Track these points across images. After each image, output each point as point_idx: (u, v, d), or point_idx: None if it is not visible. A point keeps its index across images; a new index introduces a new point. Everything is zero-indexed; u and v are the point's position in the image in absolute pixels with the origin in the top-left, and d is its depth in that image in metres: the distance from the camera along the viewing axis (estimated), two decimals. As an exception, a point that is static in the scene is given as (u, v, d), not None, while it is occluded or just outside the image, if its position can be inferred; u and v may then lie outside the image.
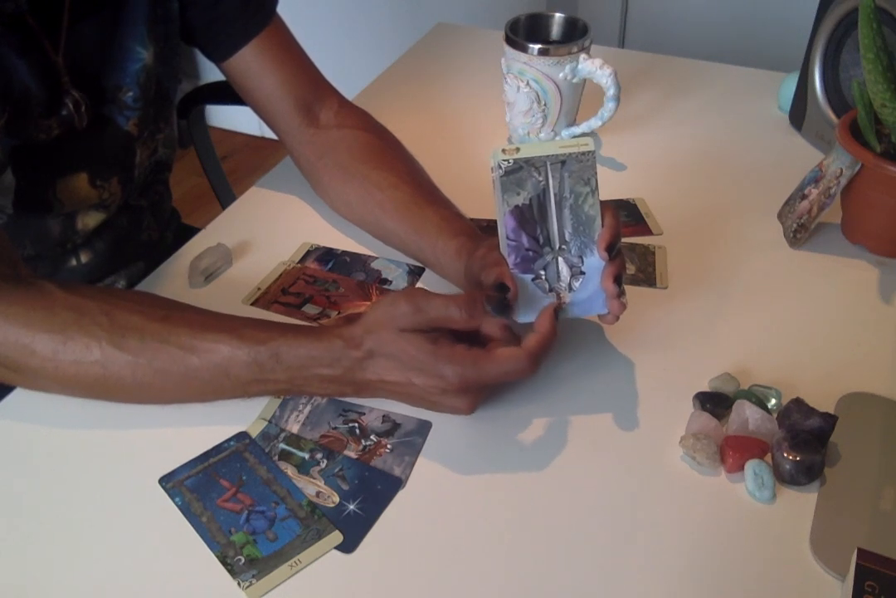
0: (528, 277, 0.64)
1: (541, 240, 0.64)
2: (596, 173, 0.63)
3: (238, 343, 0.61)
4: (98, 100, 0.77)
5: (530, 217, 0.63)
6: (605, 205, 0.64)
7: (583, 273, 0.64)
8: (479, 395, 0.62)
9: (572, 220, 0.64)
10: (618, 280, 0.64)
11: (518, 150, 0.63)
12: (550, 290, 0.64)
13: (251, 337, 0.61)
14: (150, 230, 0.93)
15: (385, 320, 0.60)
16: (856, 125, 0.79)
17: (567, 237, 0.64)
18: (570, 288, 0.64)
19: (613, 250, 0.63)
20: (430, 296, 0.60)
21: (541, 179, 0.63)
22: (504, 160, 0.62)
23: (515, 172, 0.63)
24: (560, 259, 0.64)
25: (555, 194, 0.63)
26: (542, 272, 0.64)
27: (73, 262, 0.85)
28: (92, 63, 0.75)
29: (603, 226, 0.64)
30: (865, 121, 0.76)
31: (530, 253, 0.64)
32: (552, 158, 0.63)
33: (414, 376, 0.60)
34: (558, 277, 0.64)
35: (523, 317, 0.64)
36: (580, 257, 0.64)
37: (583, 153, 0.63)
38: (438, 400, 0.61)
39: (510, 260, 0.64)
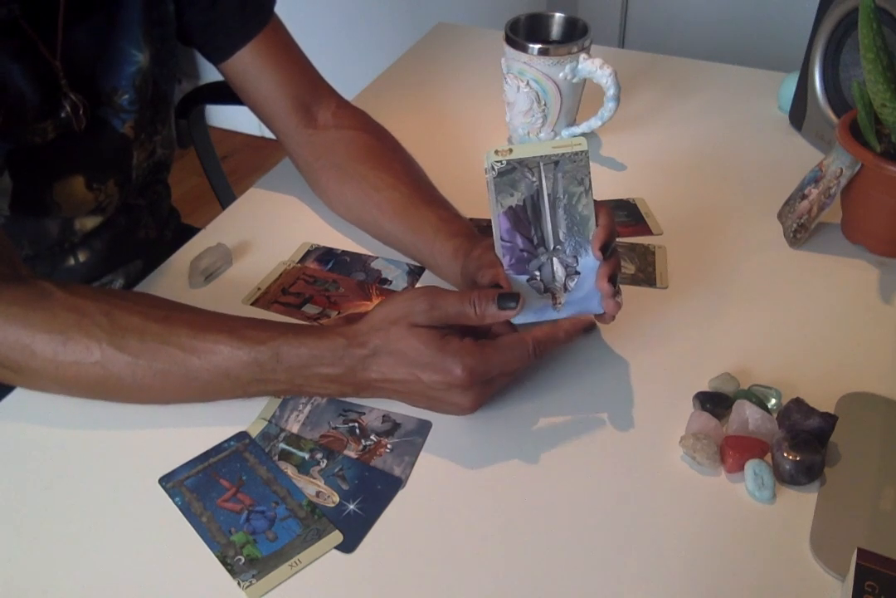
0: (523, 277, 0.64)
1: (535, 240, 0.64)
2: (589, 173, 0.63)
3: (238, 343, 0.61)
4: (94, 103, 0.77)
5: (524, 218, 0.63)
6: (599, 204, 0.64)
7: (578, 273, 0.64)
8: (484, 393, 0.62)
9: (566, 220, 0.64)
10: (613, 280, 0.64)
11: (511, 151, 0.63)
12: (546, 290, 0.64)
13: (251, 337, 0.61)
14: (147, 229, 0.93)
15: (398, 316, 0.60)
16: (856, 125, 0.79)
17: (561, 237, 0.64)
18: (566, 288, 0.64)
19: (608, 250, 0.64)
20: (446, 293, 0.61)
21: (534, 179, 0.63)
22: (497, 161, 0.62)
23: (509, 173, 0.63)
24: (555, 260, 0.64)
25: (548, 195, 0.63)
26: (537, 273, 0.64)
27: (72, 261, 0.85)
28: (88, 66, 0.75)
29: (597, 225, 0.64)
30: (865, 121, 0.76)
31: (525, 254, 0.64)
32: (545, 158, 0.63)
33: (420, 372, 0.60)
34: (553, 277, 0.64)
35: (518, 317, 0.64)
36: (575, 257, 0.64)
37: (576, 153, 0.63)
38: (443, 397, 0.61)
39: (505, 261, 0.64)
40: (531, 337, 0.62)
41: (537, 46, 0.89)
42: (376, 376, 0.61)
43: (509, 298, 0.60)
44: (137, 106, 0.80)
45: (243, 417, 0.65)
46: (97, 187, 0.80)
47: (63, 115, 0.74)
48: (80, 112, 0.75)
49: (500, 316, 0.61)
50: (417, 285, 0.79)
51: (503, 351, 0.61)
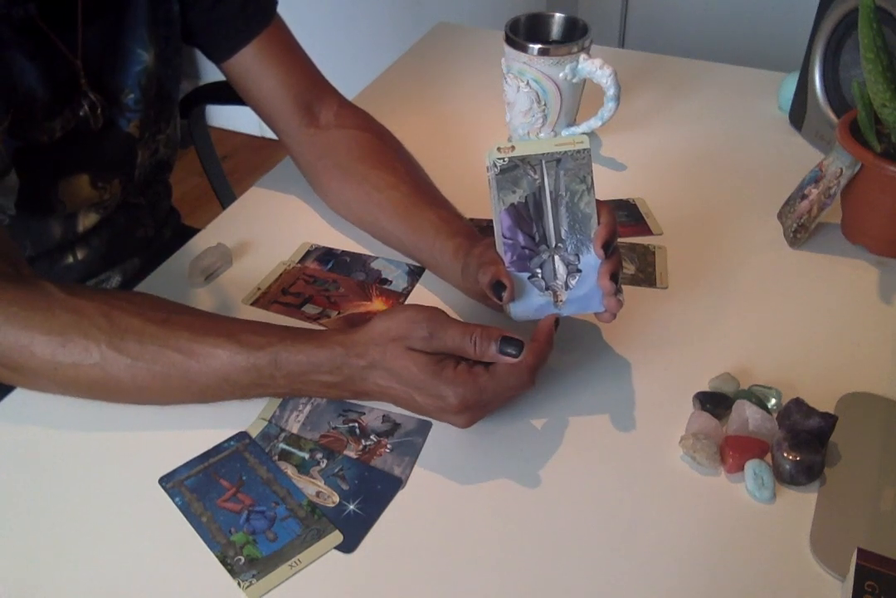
0: (525, 275, 0.64)
1: (537, 238, 0.64)
2: (591, 171, 0.63)
3: (237, 348, 0.61)
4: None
5: (526, 215, 0.63)
6: (600, 203, 0.64)
7: (579, 271, 0.64)
8: (478, 414, 0.61)
9: (568, 218, 0.64)
10: (614, 277, 0.63)
11: (513, 148, 0.63)
12: (547, 288, 0.64)
13: (250, 342, 0.61)
14: (146, 228, 0.93)
15: (396, 335, 0.60)
16: (856, 125, 0.79)
17: (563, 235, 0.64)
18: (567, 286, 0.64)
19: (610, 248, 0.63)
20: (448, 324, 0.59)
21: (536, 177, 0.63)
22: (499, 159, 0.62)
23: (511, 171, 0.63)
24: (556, 257, 0.64)
25: (550, 192, 0.63)
26: (539, 270, 0.64)
27: (70, 259, 0.85)
28: (101, 65, 0.76)
29: (599, 223, 0.64)
30: (865, 121, 0.76)
31: (526, 251, 0.64)
32: (548, 155, 0.63)
33: (414, 393, 0.60)
34: (555, 275, 0.64)
35: (519, 315, 0.64)
36: (577, 255, 0.64)
37: (578, 151, 0.63)
38: (436, 415, 0.61)
39: (506, 258, 0.64)
40: (526, 366, 0.59)
41: (537, 46, 0.89)
42: (373, 388, 0.61)
43: (512, 344, 0.58)
44: (142, 105, 0.80)
45: (243, 417, 0.65)
46: (102, 186, 0.81)
47: (81, 113, 0.75)
48: (98, 111, 0.75)
49: (499, 359, 0.59)
50: (418, 286, 0.78)
51: (499, 380, 0.59)
